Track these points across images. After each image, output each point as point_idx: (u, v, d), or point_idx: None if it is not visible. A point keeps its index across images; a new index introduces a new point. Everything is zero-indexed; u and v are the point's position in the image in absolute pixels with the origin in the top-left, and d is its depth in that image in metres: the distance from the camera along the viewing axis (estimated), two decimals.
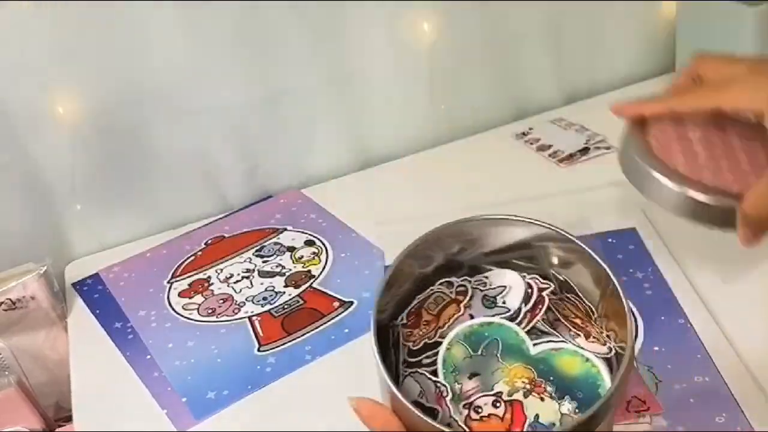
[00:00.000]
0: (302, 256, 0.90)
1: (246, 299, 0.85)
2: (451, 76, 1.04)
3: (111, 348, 0.81)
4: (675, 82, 0.67)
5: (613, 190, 0.89)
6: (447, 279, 0.49)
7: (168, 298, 0.87)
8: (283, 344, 0.78)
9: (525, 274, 0.49)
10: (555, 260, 0.50)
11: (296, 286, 0.86)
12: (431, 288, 0.49)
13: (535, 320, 0.47)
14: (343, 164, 1.03)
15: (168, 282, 0.89)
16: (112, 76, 0.88)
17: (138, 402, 0.75)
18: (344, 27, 0.95)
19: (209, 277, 0.89)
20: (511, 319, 0.47)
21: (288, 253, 0.91)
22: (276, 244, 0.93)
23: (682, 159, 0.61)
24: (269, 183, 1.02)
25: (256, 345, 0.79)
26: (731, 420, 0.63)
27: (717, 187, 0.59)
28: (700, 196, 0.58)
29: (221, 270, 0.90)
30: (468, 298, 0.48)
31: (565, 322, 0.47)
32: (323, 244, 0.91)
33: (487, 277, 0.50)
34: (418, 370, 0.45)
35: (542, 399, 0.43)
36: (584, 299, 0.48)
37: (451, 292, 0.49)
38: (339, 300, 0.83)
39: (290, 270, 0.88)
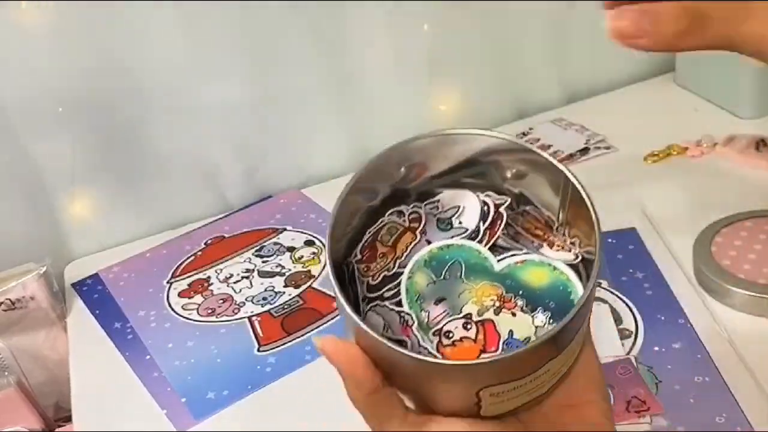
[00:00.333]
0: (302, 256, 0.90)
1: (246, 299, 0.85)
2: (451, 76, 1.03)
3: (110, 348, 0.81)
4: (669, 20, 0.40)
5: (613, 190, 0.89)
6: (397, 209, 0.46)
7: (168, 298, 0.87)
8: (283, 344, 0.78)
9: (478, 192, 0.46)
10: (508, 173, 0.46)
11: (296, 286, 0.86)
12: (381, 219, 0.46)
13: (495, 237, 0.44)
14: (343, 164, 1.03)
15: (168, 282, 0.89)
16: (112, 77, 0.88)
17: (137, 402, 0.75)
18: (344, 27, 0.95)
19: (209, 277, 0.89)
20: (471, 238, 0.44)
21: (288, 253, 0.91)
22: (276, 244, 0.93)
23: None
24: (269, 183, 1.02)
25: (256, 345, 0.79)
26: (731, 420, 0.63)
27: None
28: None
29: (221, 270, 0.90)
30: (422, 224, 0.46)
31: (527, 235, 0.45)
32: (323, 244, 0.91)
33: (438, 201, 0.47)
34: (380, 303, 0.43)
35: (514, 314, 0.41)
36: (543, 210, 0.46)
37: (403, 221, 0.46)
38: None
39: (290, 270, 0.88)
